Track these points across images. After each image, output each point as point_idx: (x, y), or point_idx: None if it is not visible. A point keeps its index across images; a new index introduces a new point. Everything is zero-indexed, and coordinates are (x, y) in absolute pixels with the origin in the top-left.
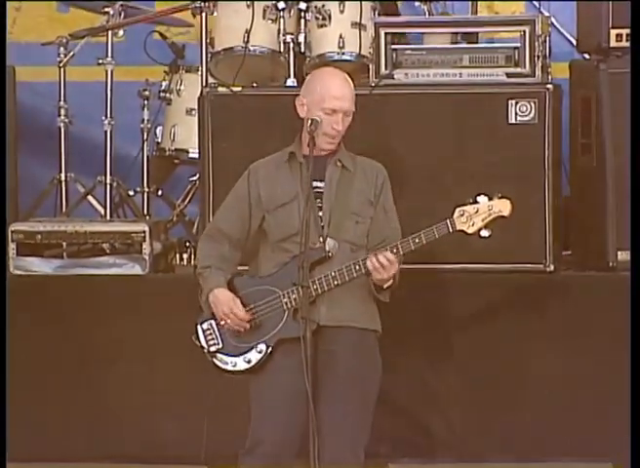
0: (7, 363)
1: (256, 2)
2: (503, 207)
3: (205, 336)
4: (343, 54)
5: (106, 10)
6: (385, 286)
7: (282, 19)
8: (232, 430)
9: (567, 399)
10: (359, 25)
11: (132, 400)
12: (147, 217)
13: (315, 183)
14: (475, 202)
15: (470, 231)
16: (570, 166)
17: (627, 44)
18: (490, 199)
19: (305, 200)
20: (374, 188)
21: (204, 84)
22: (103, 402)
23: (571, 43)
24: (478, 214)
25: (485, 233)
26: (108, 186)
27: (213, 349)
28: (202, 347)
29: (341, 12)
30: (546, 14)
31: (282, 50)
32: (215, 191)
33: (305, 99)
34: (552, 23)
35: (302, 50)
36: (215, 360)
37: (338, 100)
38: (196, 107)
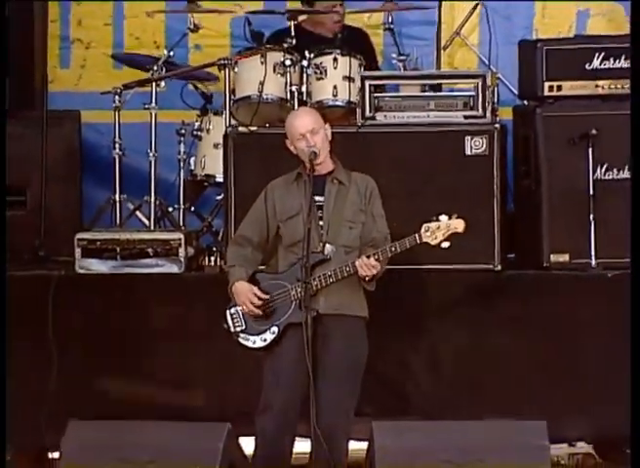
0: (6, 362)
1: (267, 59)
2: (459, 225)
3: (232, 319)
4: (337, 100)
5: (152, 67)
6: (368, 279)
7: (288, 74)
8: (248, 396)
9: (511, 371)
10: (349, 78)
11: (171, 370)
12: (182, 228)
13: (317, 198)
14: (437, 220)
15: (433, 243)
16: (514, 188)
17: (558, 93)
18: (449, 218)
19: (307, 213)
20: (364, 198)
21: (227, 124)
22: (150, 371)
23: (513, 92)
24: (440, 230)
25: (445, 245)
26: (152, 204)
27: (238, 330)
28: (229, 328)
29: (335, 68)
30: (494, 70)
31: (288, 97)
32: (235, 208)
33: (288, 141)
34: (499, 77)
35: (304, 97)
36: (238, 338)
37: (301, 127)
38: (221, 142)
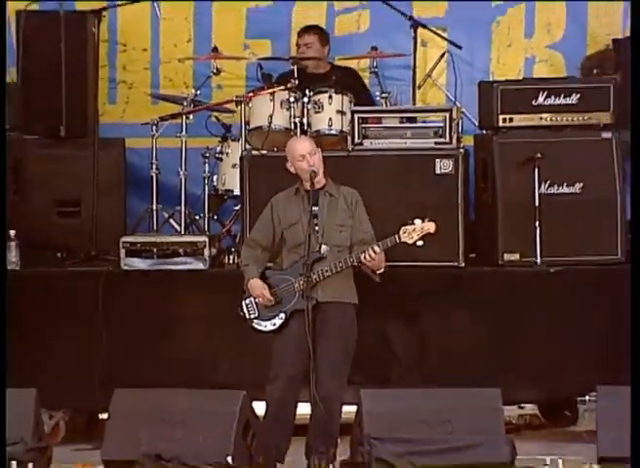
0: (6, 362)
1: (275, 97)
2: (431, 226)
3: (247, 308)
4: (331, 130)
5: (182, 103)
6: (378, 272)
7: (292, 108)
8: (260, 369)
9: (472, 347)
10: (341, 112)
11: (198, 348)
12: (207, 233)
13: (314, 208)
14: (413, 223)
15: (410, 242)
16: (475, 200)
17: (510, 124)
18: (422, 221)
19: (307, 221)
20: (351, 206)
21: (243, 149)
22: (181, 349)
23: (474, 123)
24: (415, 231)
25: (419, 243)
26: (182, 213)
27: (252, 316)
28: (244, 315)
29: (330, 103)
30: (459, 105)
31: (292, 127)
32: (250, 216)
33: (288, 163)
34: (463, 111)
35: (305, 127)
36: (252, 324)
37: (301, 149)
38: (238, 163)
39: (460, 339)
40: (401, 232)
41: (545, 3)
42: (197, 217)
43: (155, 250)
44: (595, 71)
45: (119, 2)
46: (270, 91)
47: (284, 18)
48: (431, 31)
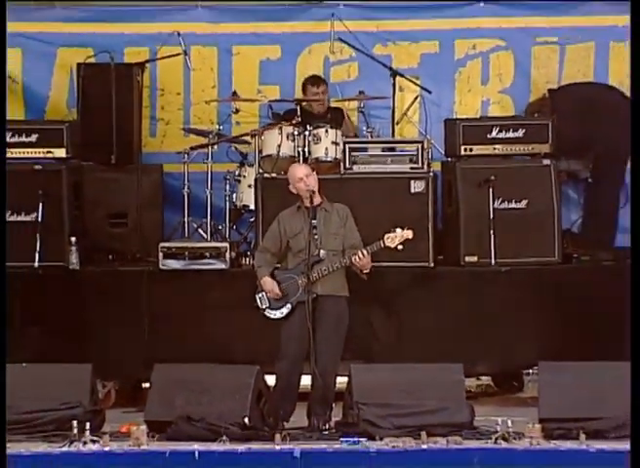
0: (6, 361)
1: (283, 131)
2: (409, 234)
3: (260, 301)
4: (327, 157)
5: (208, 136)
6: (365, 271)
7: (296, 140)
8: (271, 349)
9: (439, 331)
10: (335, 143)
11: (220, 332)
12: (228, 240)
13: (313, 221)
14: (394, 231)
15: (392, 246)
16: (442, 213)
17: (470, 153)
18: (402, 229)
19: (308, 231)
20: (342, 219)
21: (257, 173)
22: (206, 332)
23: (441, 152)
24: (396, 237)
25: (400, 247)
26: (208, 224)
27: (264, 307)
28: (257, 306)
29: (326, 136)
30: (429, 138)
31: (296, 155)
32: (262, 227)
33: (290, 185)
34: (432, 143)
35: (307, 155)
36: (264, 313)
37: (299, 172)
38: (253, 184)
39: (429, 324)
40: (385, 238)
41: (497, 57)
42: (220, 227)
43: (187, 253)
44: (536, 115)
45: (158, 57)
46: (279, 126)
47: (290, 68)
48: (407, 79)
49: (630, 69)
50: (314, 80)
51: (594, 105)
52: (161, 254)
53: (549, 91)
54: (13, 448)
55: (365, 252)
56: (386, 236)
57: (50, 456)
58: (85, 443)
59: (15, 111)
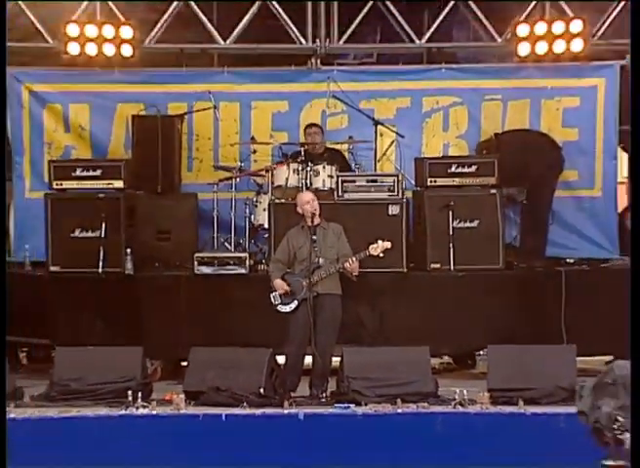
0: (6, 361)
1: (290, 167)
2: (388, 245)
3: (273, 298)
4: (325, 187)
5: (233, 171)
6: (355, 274)
7: (300, 174)
8: (281, 336)
9: (411, 320)
10: (331, 176)
11: (242, 323)
12: (247, 251)
13: (313, 237)
14: (377, 242)
15: (375, 254)
16: (413, 230)
17: (435, 184)
18: (383, 241)
19: (309, 245)
20: (337, 235)
21: (270, 199)
22: (231, 322)
23: (412, 183)
24: (378, 247)
25: (381, 255)
26: (232, 238)
27: (276, 303)
28: (272, 303)
29: (324, 171)
30: (403, 172)
31: (301, 186)
32: (274, 241)
33: (298, 207)
34: (405, 176)
35: (309, 185)
36: (277, 308)
37: (306, 198)
38: (267, 208)
39: (403, 316)
40: (369, 248)
41: (455, 111)
42: (241, 241)
43: (215, 261)
44: (484, 152)
45: (194, 110)
46: (287, 163)
47: (295, 118)
48: (385, 127)
49: (630, 69)
50: (310, 124)
51: (529, 146)
52: (196, 262)
53: (495, 134)
54: (81, 412)
55: (354, 259)
56: (371, 246)
57: (110, 418)
58: (137, 408)
59: (83, 152)
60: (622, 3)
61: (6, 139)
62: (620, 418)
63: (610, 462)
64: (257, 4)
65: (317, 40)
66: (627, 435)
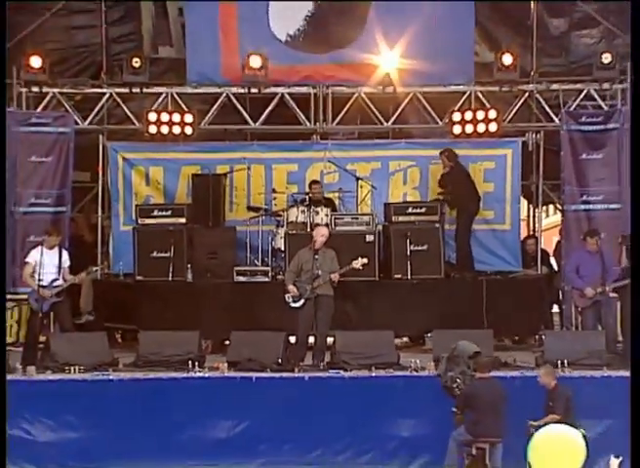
0: (6, 362)
1: (299, 207)
2: (365, 261)
3: (287, 298)
4: (322, 222)
5: (260, 211)
6: (335, 283)
7: (305, 213)
8: (293, 323)
9: (383, 313)
10: (327, 215)
11: (267, 315)
12: (269, 266)
13: (315, 256)
14: (357, 259)
15: (356, 267)
16: (383, 251)
17: (398, 221)
18: (362, 258)
19: (312, 261)
20: (330, 256)
21: (286, 231)
22: (261, 315)
23: (382, 220)
24: (358, 263)
25: (360, 268)
26: (260, 258)
27: (289, 301)
28: (286, 301)
29: (322, 212)
30: (375, 213)
31: (306, 222)
32: (288, 259)
33: (314, 235)
34: (377, 215)
35: (311, 221)
36: (289, 304)
37: (323, 231)
38: (283, 237)
39: (376, 310)
40: (352, 263)
41: (411, 170)
42: (265, 259)
43: (248, 272)
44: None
45: (234, 170)
46: (297, 206)
47: (302, 176)
48: (364, 182)
49: (630, 71)
50: (313, 181)
51: (454, 178)
52: (235, 273)
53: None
54: (158, 375)
55: (337, 274)
56: (354, 262)
57: (177, 379)
58: (195, 372)
59: (158, 199)
60: (522, 100)
61: (105, 189)
62: (458, 380)
63: (535, 422)
64: (277, 98)
65: (317, 123)
66: (460, 391)
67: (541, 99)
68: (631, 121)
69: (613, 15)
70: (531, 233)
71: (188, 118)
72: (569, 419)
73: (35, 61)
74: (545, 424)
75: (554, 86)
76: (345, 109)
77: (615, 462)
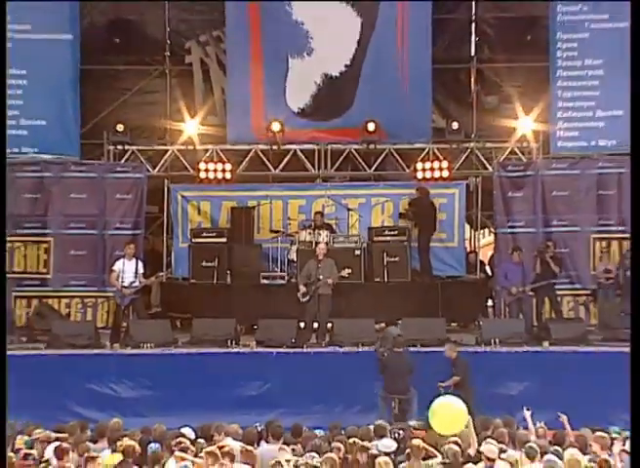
0: (6, 363)
1: (306, 241)
2: (349, 270)
3: (298, 295)
4: (324, 241)
5: (279, 232)
6: (331, 285)
7: (312, 235)
8: (302, 312)
9: (362, 306)
10: (327, 236)
11: (282, 310)
12: (285, 272)
13: (319, 265)
14: (345, 268)
15: (345, 275)
16: (367, 262)
17: (378, 240)
18: (347, 269)
19: (316, 269)
20: (330, 264)
21: (297, 247)
22: (285, 308)
23: (366, 239)
24: (345, 271)
25: (346, 275)
26: (279, 267)
27: (300, 298)
28: (298, 298)
29: (323, 233)
30: (362, 236)
31: (312, 240)
32: (299, 268)
33: (317, 250)
34: (363, 236)
35: (315, 240)
36: (301, 300)
37: (322, 246)
38: (296, 251)
39: (361, 304)
40: (341, 272)
41: (387, 204)
42: (282, 267)
43: (270, 277)
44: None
45: (260, 204)
46: (305, 229)
47: (309, 208)
48: (353, 212)
49: (630, 70)
50: (317, 212)
51: (422, 206)
52: (260, 277)
53: (411, 200)
54: (207, 350)
55: (333, 280)
56: (342, 272)
57: (218, 353)
58: (232, 348)
59: (207, 224)
60: (466, 154)
61: (169, 217)
62: (385, 353)
63: (442, 383)
64: (291, 152)
65: (320, 170)
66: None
67: (479, 154)
68: (631, 121)
69: (527, 94)
70: (472, 249)
71: (228, 167)
72: (466, 381)
73: (120, 127)
74: (450, 384)
75: (488, 144)
76: (340, 160)
77: (527, 413)
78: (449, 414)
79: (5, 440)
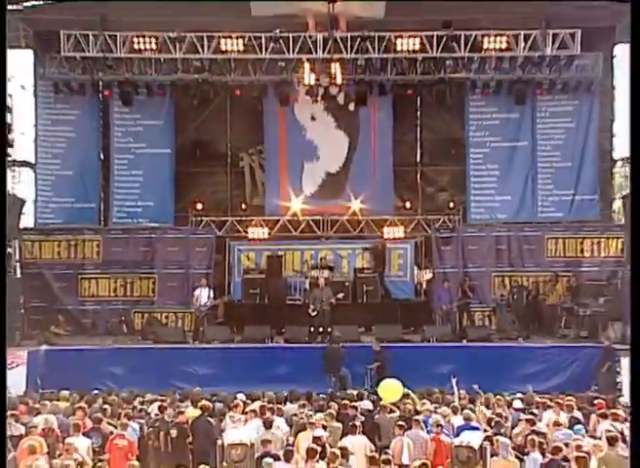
0: (6, 363)
1: (315, 269)
2: (341, 294)
3: (309, 311)
4: (325, 276)
5: (297, 272)
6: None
7: (318, 272)
8: (311, 320)
9: (351, 315)
10: (328, 273)
11: (300, 317)
12: (302, 296)
13: (322, 291)
14: (341, 293)
15: (339, 297)
16: (353, 282)
17: (362, 275)
18: (340, 294)
19: (320, 295)
20: (330, 291)
21: (309, 281)
22: (296, 313)
23: (350, 277)
24: (339, 296)
25: (340, 297)
26: (298, 292)
27: (310, 312)
28: (309, 313)
29: (325, 271)
30: (350, 272)
31: (318, 276)
32: (310, 293)
33: (320, 284)
34: (350, 275)
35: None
36: (310, 314)
37: (323, 280)
38: (308, 283)
39: (350, 316)
40: (337, 295)
41: (365, 254)
42: (300, 293)
43: (292, 299)
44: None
45: (283, 254)
46: (314, 269)
47: (317, 255)
48: (344, 258)
49: (630, 70)
50: (321, 258)
51: (378, 253)
52: (287, 300)
53: (374, 247)
54: (251, 345)
55: (332, 301)
56: (337, 296)
57: (260, 347)
58: (267, 344)
59: (252, 266)
60: (414, 223)
61: (228, 262)
62: (327, 348)
63: (369, 365)
64: (304, 222)
65: (323, 232)
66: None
67: (423, 223)
68: (631, 122)
69: (453, 186)
70: (419, 281)
71: (266, 230)
72: (387, 366)
73: (199, 206)
74: (374, 367)
75: (429, 216)
76: (336, 226)
77: (453, 381)
78: (389, 388)
79: (5, 440)
